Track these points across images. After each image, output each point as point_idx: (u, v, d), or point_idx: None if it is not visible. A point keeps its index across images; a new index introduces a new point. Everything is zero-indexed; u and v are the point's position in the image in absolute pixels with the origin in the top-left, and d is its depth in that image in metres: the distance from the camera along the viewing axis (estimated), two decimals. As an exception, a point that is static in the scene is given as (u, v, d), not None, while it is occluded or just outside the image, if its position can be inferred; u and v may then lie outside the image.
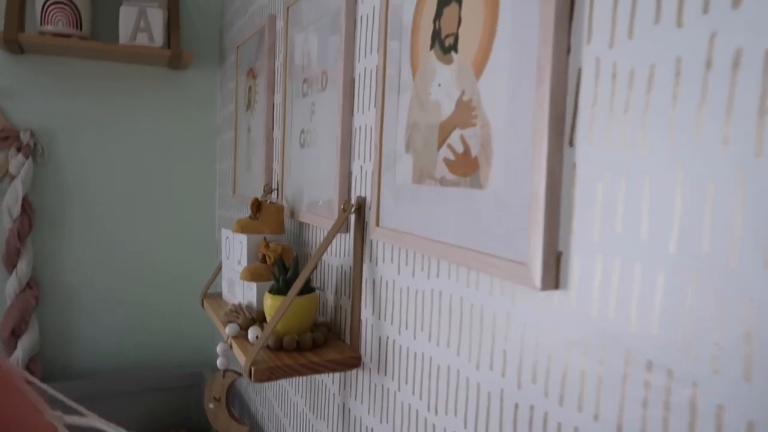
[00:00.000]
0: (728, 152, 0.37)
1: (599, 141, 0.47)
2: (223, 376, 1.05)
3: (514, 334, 0.58)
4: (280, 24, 1.35)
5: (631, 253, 0.45)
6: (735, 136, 0.37)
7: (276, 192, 1.33)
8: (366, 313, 0.91)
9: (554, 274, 0.51)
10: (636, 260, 0.44)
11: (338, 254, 1.01)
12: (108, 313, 1.99)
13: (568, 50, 0.50)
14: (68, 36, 1.70)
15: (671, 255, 0.41)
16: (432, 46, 0.67)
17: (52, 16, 1.68)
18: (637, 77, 0.44)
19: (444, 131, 0.64)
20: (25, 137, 1.78)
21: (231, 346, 1.00)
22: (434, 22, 0.67)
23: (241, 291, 1.16)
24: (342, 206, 0.92)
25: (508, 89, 0.54)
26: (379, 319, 0.86)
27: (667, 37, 0.41)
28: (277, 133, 1.36)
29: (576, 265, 0.50)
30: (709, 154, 0.38)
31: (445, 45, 0.64)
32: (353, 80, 0.94)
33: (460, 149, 0.61)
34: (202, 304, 1.31)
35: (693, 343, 0.40)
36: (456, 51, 0.62)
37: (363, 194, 0.91)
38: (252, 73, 1.55)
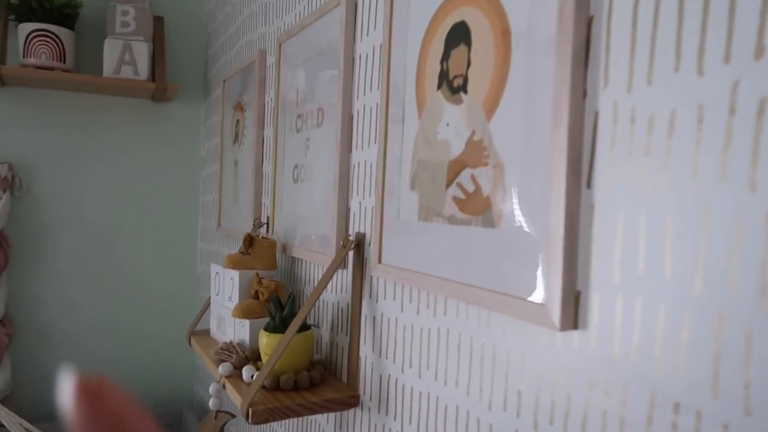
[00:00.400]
0: (756, 198, 0.38)
1: (618, 183, 0.48)
2: (216, 417, 1.02)
3: (530, 373, 0.57)
4: (270, 59, 1.36)
5: (653, 292, 0.45)
6: (763, 182, 0.38)
7: (266, 226, 1.32)
8: (365, 351, 0.90)
9: (573, 314, 0.51)
10: (659, 300, 0.45)
11: (335, 290, 1.00)
12: (83, 352, 1.92)
13: (584, 94, 0.51)
14: (51, 69, 1.68)
15: (697, 295, 0.42)
16: (439, 86, 0.68)
17: (36, 48, 1.66)
18: (658, 122, 0.45)
19: (453, 170, 0.65)
20: (2, 170, 1.74)
21: (224, 386, 0.98)
22: (441, 63, 0.68)
23: (232, 328, 1.13)
24: (341, 242, 0.92)
25: (522, 131, 0.55)
26: (380, 356, 0.85)
27: (688, 85, 0.42)
28: (267, 168, 1.36)
29: (596, 304, 0.50)
30: (736, 198, 0.39)
31: (453, 86, 0.65)
32: (351, 117, 0.94)
33: (470, 188, 0.62)
34: (189, 342, 1.28)
35: (722, 385, 0.40)
36: (465, 92, 0.63)
37: (361, 230, 0.91)
38: (240, 107, 1.55)
